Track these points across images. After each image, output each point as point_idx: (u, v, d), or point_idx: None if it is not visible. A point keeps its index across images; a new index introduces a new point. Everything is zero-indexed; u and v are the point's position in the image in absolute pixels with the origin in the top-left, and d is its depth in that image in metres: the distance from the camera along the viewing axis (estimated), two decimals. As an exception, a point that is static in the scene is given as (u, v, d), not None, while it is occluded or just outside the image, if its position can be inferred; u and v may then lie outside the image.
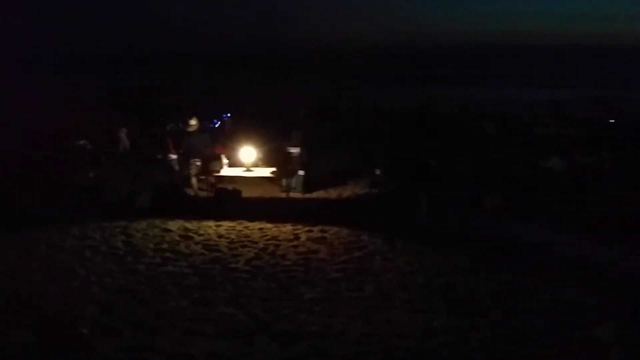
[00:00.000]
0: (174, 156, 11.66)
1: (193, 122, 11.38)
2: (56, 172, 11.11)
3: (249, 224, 9.58)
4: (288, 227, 9.33)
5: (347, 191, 11.76)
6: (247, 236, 8.91)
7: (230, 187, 11.00)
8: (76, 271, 7.10)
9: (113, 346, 5.11)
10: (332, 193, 11.71)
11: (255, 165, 11.72)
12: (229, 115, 15.06)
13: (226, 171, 11.60)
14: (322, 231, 9.08)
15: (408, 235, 8.73)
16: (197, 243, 8.43)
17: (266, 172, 11.58)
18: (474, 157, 12.55)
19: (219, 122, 14.46)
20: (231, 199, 10.58)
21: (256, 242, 8.55)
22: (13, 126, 13.58)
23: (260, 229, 9.33)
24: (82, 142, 12.00)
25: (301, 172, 11.47)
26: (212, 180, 11.48)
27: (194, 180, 11.37)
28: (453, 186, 10.65)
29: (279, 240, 8.63)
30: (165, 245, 8.26)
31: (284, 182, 11.32)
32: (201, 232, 9.04)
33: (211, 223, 9.54)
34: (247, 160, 11.62)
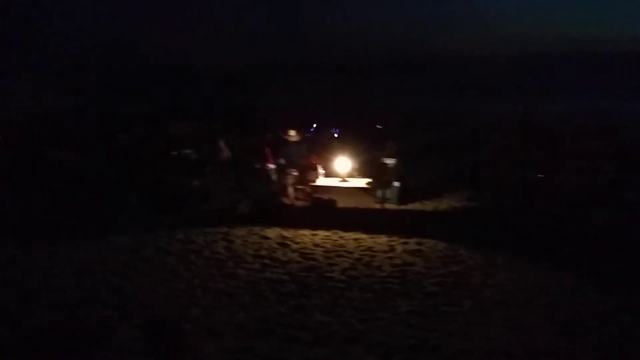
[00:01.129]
0: (272, 166, 12.00)
1: (292, 132, 11.67)
2: (163, 179, 11.76)
3: (344, 233, 9.65)
4: (383, 239, 9.30)
5: (443, 203, 11.56)
6: (342, 246, 8.97)
7: (325, 197, 11.15)
8: (181, 274, 7.45)
9: (216, 348, 5.30)
10: (428, 205, 11.55)
11: (351, 175, 11.82)
12: (336, 130, 15.32)
13: (322, 181, 11.78)
14: (418, 243, 8.97)
15: (509, 251, 8.42)
16: (293, 251, 8.60)
17: (361, 182, 11.63)
18: (579, 171, 11.92)
19: (319, 131, 14.73)
20: (327, 209, 10.72)
21: (351, 252, 8.59)
22: (127, 133, 14.56)
23: (356, 239, 9.36)
24: (188, 151, 12.64)
25: (396, 184, 11.43)
26: (308, 190, 11.69)
27: (290, 190, 11.64)
28: (556, 201, 10.18)
29: (374, 251, 8.62)
30: (263, 252, 8.49)
31: (379, 193, 11.32)
32: (297, 240, 9.21)
33: (307, 232, 9.71)
34: (342, 171, 11.74)
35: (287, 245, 8.86)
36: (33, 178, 11.30)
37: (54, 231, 9.30)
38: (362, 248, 8.84)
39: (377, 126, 17.50)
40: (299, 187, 12.05)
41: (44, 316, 6.02)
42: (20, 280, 7.12)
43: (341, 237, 9.45)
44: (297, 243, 9.03)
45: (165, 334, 5.44)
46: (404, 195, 11.55)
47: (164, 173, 11.81)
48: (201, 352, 5.20)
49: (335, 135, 15.55)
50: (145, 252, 8.40)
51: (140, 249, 8.56)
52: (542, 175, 11.52)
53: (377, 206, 11.20)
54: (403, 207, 11.37)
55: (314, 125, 16.19)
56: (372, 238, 9.34)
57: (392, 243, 9.05)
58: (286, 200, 11.56)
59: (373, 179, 11.50)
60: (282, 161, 11.89)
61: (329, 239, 9.33)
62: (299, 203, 11.68)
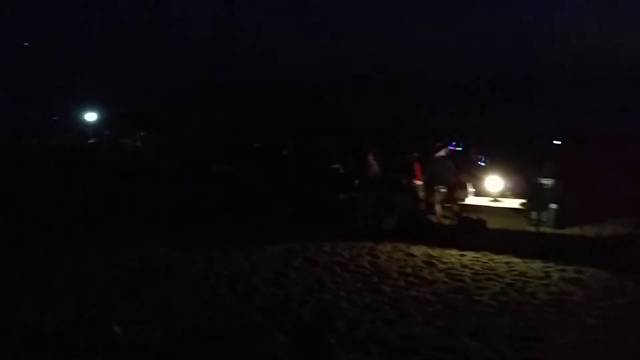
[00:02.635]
0: (419, 182, 11.85)
1: (441, 148, 11.46)
2: (312, 193, 12.14)
3: (494, 256, 9.23)
4: (538, 264, 8.74)
5: (606, 229, 10.60)
6: (492, 269, 8.57)
7: (474, 216, 10.76)
8: (328, 285, 7.60)
9: (360, 361, 5.31)
10: (589, 230, 10.67)
11: (503, 195, 11.29)
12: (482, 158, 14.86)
13: (471, 200, 11.38)
14: (577, 271, 8.29)
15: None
16: (440, 271, 8.38)
17: (514, 203, 11.06)
18: None
19: (468, 149, 14.33)
20: (476, 229, 10.34)
21: (502, 277, 8.16)
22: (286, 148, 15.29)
23: (507, 262, 8.90)
24: (336, 165, 12.94)
25: (554, 206, 10.69)
26: (457, 208, 11.36)
27: (438, 207, 11.40)
28: None
29: (528, 277, 8.11)
30: (409, 270, 8.38)
31: (533, 215, 10.69)
32: (444, 260, 8.97)
33: (454, 252, 9.42)
34: (493, 190, 11.26)
35: (433, 265, 8.67)
36: (198, 187, 12.26)
37: (211, 237, 9.98)
38: (514, 273, 8.37)
39: (536, 145, 16.60)
40: (447, 205, 11.76)
41: (201, 316, 6.47)
42: (180, 282, 7.73)
43: (491, 260, 9.04)
44: (443, 263, 8.79)
45: (311, 343, 5.56)
46: (561, 219, 10.77)
47: (313, 187, 12.19)
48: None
49: (481, 160, 15.00)
50: (295, 262, 8.70)
51: (290, 258, 8.89)
52: None
53: (532, 229, 10.56)
54: (560, 231, 10.60)
55: (462, 143, 15.76)
56: (525, 263, 8.81)
57: (548, 269, 8.46)
58: (433, 218, 11.33)
59: (528, 200, 10.87)
60: (430, 178, 11.69)
61: (477, 261, 8.97)
62: (447, 221, 11.39)
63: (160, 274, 8.10)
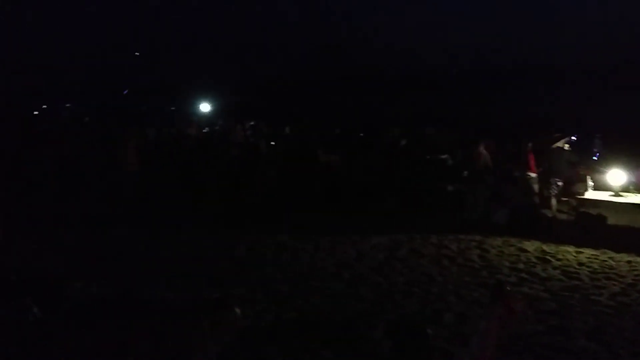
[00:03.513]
0: (533, 175, 11.31)
1: (558, 139, 10.87)
2: (419, 183, 12.00)
3: (614, 254, 8.66)
4: (664, 264, 8.09)
5: None
6: (611, 268, 8.05)
7: (594, 212, 10.12)
8: (434, 278, 7.51)
9: (467, 357, 5.20)
10: None
11: (626, 190, 10.51)
12: (598, 135, 13.93)
13: (590, 194, 10.71)
14: None
15: None
16: (555, 268, 8.00)
17: (639, 199, 10.28)
18: None
19: (587, 139, 13.49)
20: (595, 225, 9.73)
21: (623, 276, 7.65)
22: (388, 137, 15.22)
23: (628, 262, 8.32)
24: (444, 156, 12.69)
25: (685, 202, 9.81)
26: (574, 202, 10.74)
27: (553, 201, 10.85)
28: None
29: (652, 278, 7.54)
30: (520, 265, 8.08)
31: (661, 212, 9.86)
32: (559, 256, 8.55)
33: (570, 248, 8.95)
34: (615, 184, 10.51)
35: (547, 261, 8.29)
36: (306, 177, 12.53)
37: (318, 225, 10.18)
38: (636, 273, 7.81)
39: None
40: (564, 199, 11.16)
41: (309, 301, 6.65)
42: (288, 267, 7.98)
43: (611, 258, 8.49)
44: (558, 260, 8.38)
45: (412, 335, 5.53)
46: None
47: (420, 177, 12.04)
48: (451, 358, 5.16)
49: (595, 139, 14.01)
50: (401, 253, 8.68)
51: (396, 249, 8.88)
52: None
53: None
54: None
55: (576, 134, 14.80)
56: (649, 263, 8.19)
57: (676, 271, 7.81)
58: (548, 213, 10.78)
59: (655, 196, 10.06)
60: (546, 170, 11.13)
61: (596, 259, 8.45)
62: (563, 216, 10.81)
63: (268, 259, 8.42)
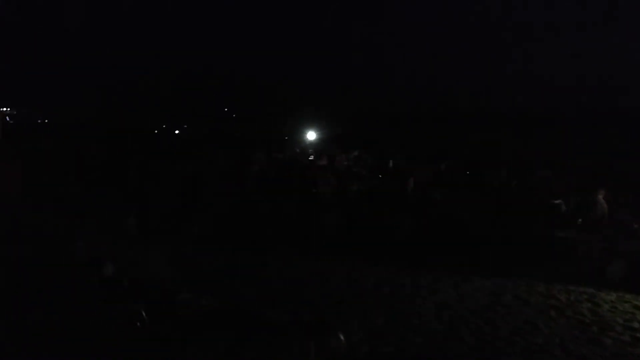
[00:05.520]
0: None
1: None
2: (529, 228, 11.50)
3: None
4: None
5: None
6: None
7: None
8: (539, 328, 7.18)
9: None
10: None
11: None
12: None
13: None
14: None
15: None
16: (677, 329, 7.36)
17: None
18: None
19: None
20: None
21: None
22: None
23: None
24: (557, 201, 12.09)
25: None
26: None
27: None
28: None
29: None
30: (636, 324, 7.51)
31: None
32: (683, 318, 7.85)
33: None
34: None
35: (668, 322, 7.65)
36: (406, 210, 12.45)
37: (419, 262, 10.05)
38: None
39: None
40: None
41: (406, 337, 6.58)
42: (386, 301, 7.96)
43: None
44: (682, 321, 7.70)
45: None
46: None
47: (529, 221, 11.56)
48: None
49: None
50: (505, 298, 8.37)
51: (499, 293, 8.57)
52: None
53: None
54: None
55: None
56: None
57: None
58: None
59: None
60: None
61: None
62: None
63: (367, 290, 8.45)
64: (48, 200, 13.76)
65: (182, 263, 9.45)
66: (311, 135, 36.49)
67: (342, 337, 4.18)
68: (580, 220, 11.07)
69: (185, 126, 51.08)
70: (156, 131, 46.57)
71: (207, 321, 5.92)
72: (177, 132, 47.07)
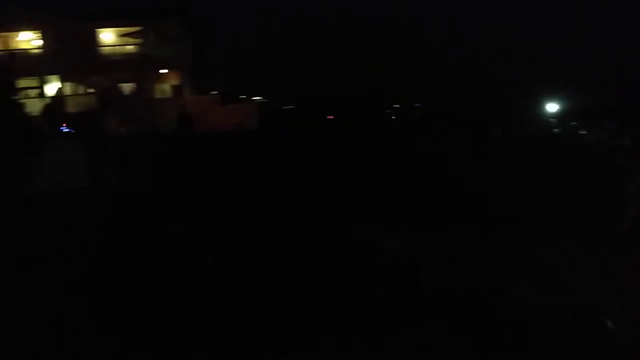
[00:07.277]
0: None
1: None
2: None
3: None
4: None
5: None
6: None
7: None
8: None
9: None
10: None
11: None
12: None
13: None
14: None
15: None
16: None
17: None
18: None
19: None
20: None
21: None
22: None
23: None
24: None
25: None
26: None
27: None
28: None
29: None
30: None
31: None
32: None
33: None
34: None
35: None
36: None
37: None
38: None
39: None
40: None
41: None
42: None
43: None
44: None
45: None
46: None
47: None
48: None
49: None
50: None
51: None
52: None
53: None
54: None
55: None
56: None
57: None
58: None
59: None
60: None
61: None
62: None
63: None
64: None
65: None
66: (552, 108, 33.98)
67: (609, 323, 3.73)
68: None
69: (418, 105, 51.01)
70: (388, 110, 46.28)
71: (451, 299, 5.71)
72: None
